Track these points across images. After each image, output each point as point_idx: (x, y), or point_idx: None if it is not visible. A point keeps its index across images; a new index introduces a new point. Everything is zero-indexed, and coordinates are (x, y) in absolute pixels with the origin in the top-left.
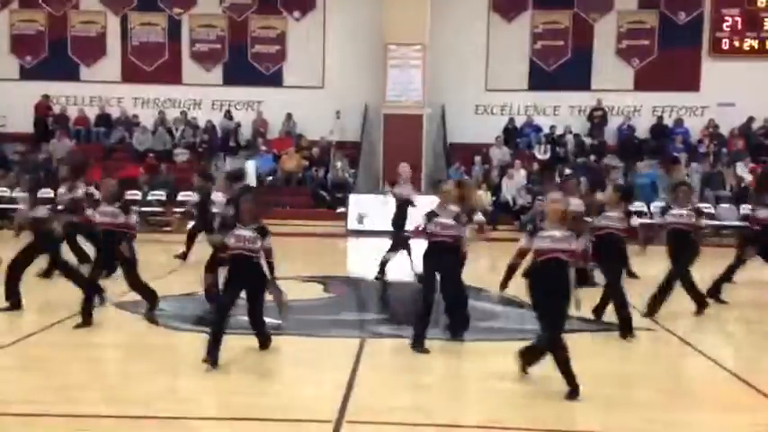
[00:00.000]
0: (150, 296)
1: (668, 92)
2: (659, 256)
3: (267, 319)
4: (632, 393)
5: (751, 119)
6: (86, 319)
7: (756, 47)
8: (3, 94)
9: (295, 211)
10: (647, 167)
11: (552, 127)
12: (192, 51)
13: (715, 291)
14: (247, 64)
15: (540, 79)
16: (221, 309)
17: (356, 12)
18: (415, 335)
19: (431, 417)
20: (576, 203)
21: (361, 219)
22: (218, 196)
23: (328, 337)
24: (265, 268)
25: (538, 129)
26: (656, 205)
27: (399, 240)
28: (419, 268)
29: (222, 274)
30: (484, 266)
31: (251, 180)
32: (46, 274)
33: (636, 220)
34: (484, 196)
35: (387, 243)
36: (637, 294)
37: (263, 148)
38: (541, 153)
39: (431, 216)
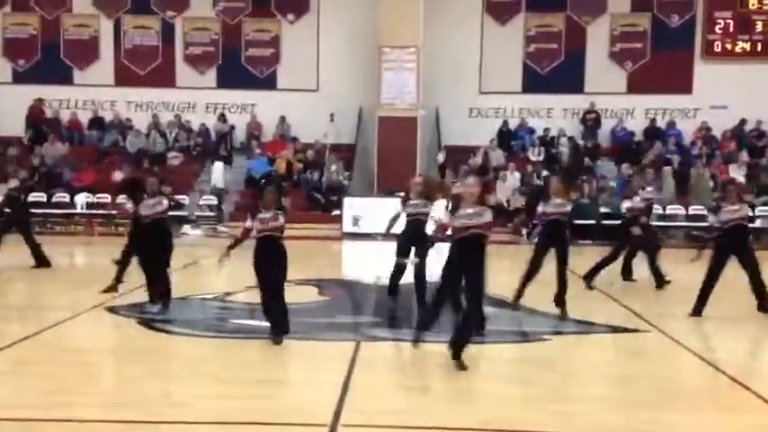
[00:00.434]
0: (167, 291)
1: (661, 94)
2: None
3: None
4: (630, 394)
5: (743, 121)
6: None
7: (748, 49)
8: None
9: (289, 213)
10: (629, 169)
11: (546, 129)
12: (185, 54)
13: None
14: (241, 67)
15: (533, 82)
16: (265, 290)
17: (350, 14)
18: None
19: (426, 419)
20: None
21: (355, 221)
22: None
23: (323, 341)
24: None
25: (531, 131)
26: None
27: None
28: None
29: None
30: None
31: (218, 181)
32: None
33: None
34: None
35: (381, 246)
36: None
37: (258, 150)
38: (535, 155)
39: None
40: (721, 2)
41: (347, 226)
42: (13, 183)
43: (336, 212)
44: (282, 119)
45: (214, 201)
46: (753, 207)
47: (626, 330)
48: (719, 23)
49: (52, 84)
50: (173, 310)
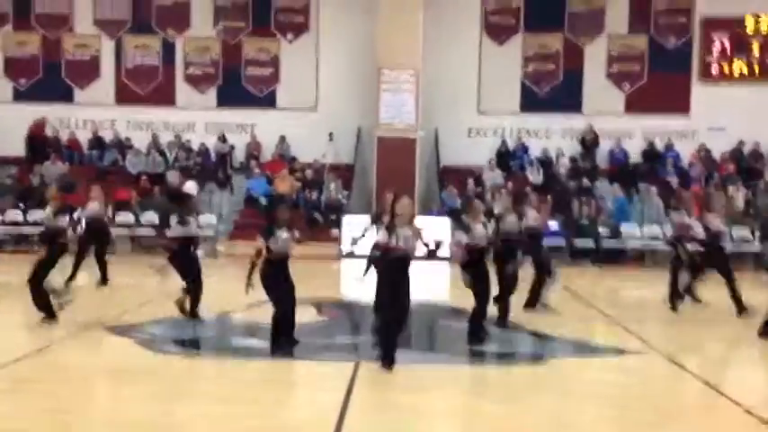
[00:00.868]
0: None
1: (659, 115)
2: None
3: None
4: (628, 414)
5: (741, 143)
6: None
7: (746, 72)
8: None
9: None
10: (617, 191)
11: (545, 150)
12: (185, 74)
13: None
14: (241, 86)
15: (531, 102)
16: (286, 306)
17: (349, 35)
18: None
19: None
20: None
21: (354, 241)
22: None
23: (323, 361)
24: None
25: (529, 150)
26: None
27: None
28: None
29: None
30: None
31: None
32: None
33: None
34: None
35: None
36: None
37: (257, 170)
38: (534, 176)
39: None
40: (718, 24)
41: (346, 245)
42: (94, 205)
43: (335, 232)
44: (282, 138)
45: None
46: (752, 232)
47: (624, 352)
48: (716, 46)
49: (53, 102)
50: (172, 330)
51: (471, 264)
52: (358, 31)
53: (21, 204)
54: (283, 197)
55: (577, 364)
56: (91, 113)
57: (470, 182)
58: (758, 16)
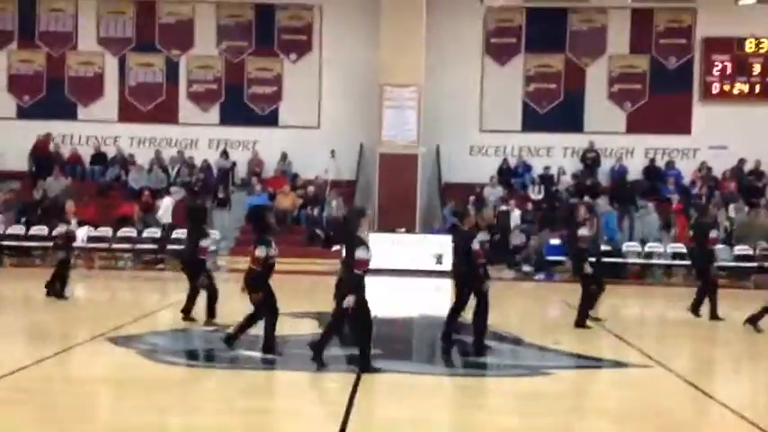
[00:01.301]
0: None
1: (660, 134)
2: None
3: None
4: (632, 427)
5: (742, 161)
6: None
7: (746, 91)
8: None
9: (289, 248)
10: (606, 205)
11: (546, 168)
12: (189, 92)
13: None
14: (243, 104)
15: (533, 121)
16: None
17: (351, 53)
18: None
19: None
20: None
21: None
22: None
23: (324, 372)
24: None
25: (531, 169)
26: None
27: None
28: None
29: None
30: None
31: (165, 216)
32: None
33: None
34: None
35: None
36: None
37: (258, 186)
38: (535, 194)
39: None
40: (719, 45)
41: None
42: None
43: (337, 248)
44: (284, 155)
45: (157, 233)
46: (754, 249)
47: (629, 365)
48: (717, 66)
49: (56, 119)
50: (172, 342)
51: (470, 276)
52: (360, 48)
53: (23, 219)
54: (285, 213)
55: (579, 376)
56: (94, 130)
57: (471, 198)
58: (759, 39)
